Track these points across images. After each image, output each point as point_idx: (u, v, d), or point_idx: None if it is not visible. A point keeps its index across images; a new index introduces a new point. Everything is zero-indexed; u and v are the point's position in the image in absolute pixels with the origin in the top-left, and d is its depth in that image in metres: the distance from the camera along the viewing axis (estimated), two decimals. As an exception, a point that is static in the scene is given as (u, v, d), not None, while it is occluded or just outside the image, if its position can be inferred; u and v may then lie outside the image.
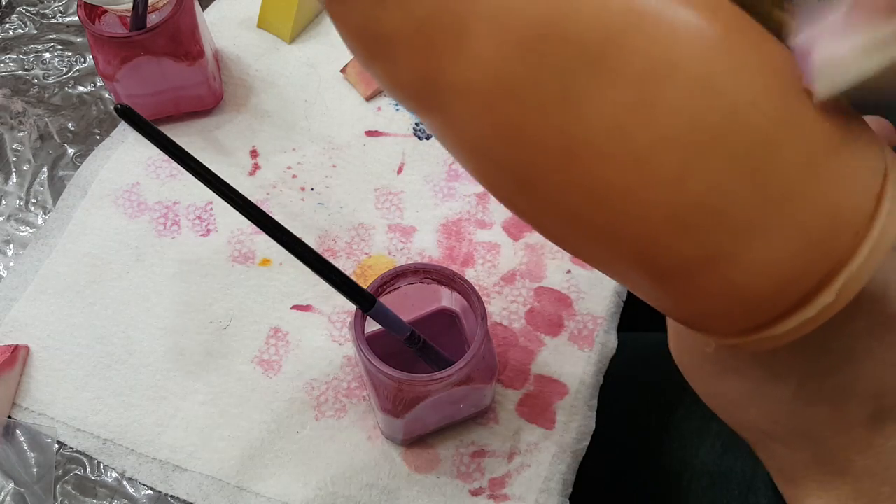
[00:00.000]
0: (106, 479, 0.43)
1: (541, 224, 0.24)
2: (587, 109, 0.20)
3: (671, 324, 0.29)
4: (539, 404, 0.44)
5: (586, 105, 0.20)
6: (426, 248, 0.48)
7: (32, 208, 0.51)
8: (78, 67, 0.56)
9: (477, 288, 0.39)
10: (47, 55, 0.57)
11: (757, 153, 0.20)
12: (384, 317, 0.35)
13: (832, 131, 0.20)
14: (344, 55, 0.55)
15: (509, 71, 0.20)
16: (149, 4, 0.48)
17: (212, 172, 0.31)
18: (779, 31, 0.21)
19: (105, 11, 0.49)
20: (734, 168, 0.20)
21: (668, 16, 0.20)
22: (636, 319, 0.52)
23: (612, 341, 0.46)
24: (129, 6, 0.47)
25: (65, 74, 0.56)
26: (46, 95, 0.55)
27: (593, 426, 0.43)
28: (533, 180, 0.22)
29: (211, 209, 0.50)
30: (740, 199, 0.20)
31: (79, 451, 0.43)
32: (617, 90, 0.20)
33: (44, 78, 0.56)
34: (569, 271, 0.47)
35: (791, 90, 0.20)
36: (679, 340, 0.29)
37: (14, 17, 0.58)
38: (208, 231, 0.49)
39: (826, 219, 0.20)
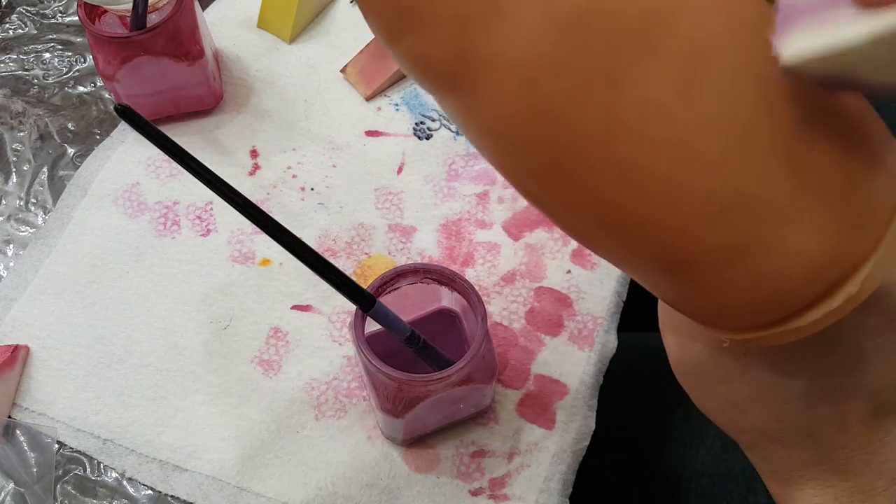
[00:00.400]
0: (106, 479, 0.43)
1: (560, 213, 0.23)
2: (630, 89, 0.19)
3: (669, 327, 0.29)
4: (539, 404, 0.44)
5: (629, 85, 0.19)
6: (426, 248, 0.48)
7: (32, 208, 0.51)
8: (78, 67, 0.56)
9: (477, 288, 0.39)
10: (47, 55, 0.57)
11: (798, 140, 0.20)
12: (384, 317, 0.35)
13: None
14: (344, 55, 0.55)
15: (552, 47, 0.19)
16: (149, 4, 0.48)
17: (212, 172, 0.31)
18: None
19: (105, 11, 0.49)
20: (774, 153, 0.20)
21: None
22: (636, 319, 0.52)
23: (612, 341, 0.46)
24: (129, 6, 0.47)
25: (65, 74, 0.56)
26: (46, 95, 0.55)
27: (593, 426, 0.43)
28: (564, 164, 0.21)
29: (211, 209, 0.50)
30: (778, 185, 0.20)
31: (79, 451, 0.43)
32: (660, 70, 0.19)
33: (44, 78, 0.56)
34: (569, 271, 0.47)
35: None
36: (679, 344, 0.29)
37: (14, 17, 0.58)
38: (208, 231, 0.49)
39: (856, 209, 0.20)
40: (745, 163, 0.20)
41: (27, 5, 0.59)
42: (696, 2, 0.20)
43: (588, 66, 0.19)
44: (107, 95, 0.55)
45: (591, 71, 0.19)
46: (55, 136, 0.53)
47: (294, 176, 0.51)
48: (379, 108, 0.54)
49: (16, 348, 0.44)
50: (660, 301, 0.30)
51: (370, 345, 0.36)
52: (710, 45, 0.19)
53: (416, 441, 0.43)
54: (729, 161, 0.20)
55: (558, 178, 0.21)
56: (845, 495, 0.26)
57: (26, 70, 0.56)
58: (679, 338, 0.29)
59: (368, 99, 0.54)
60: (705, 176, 0.20)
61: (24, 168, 0.52)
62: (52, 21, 0.58)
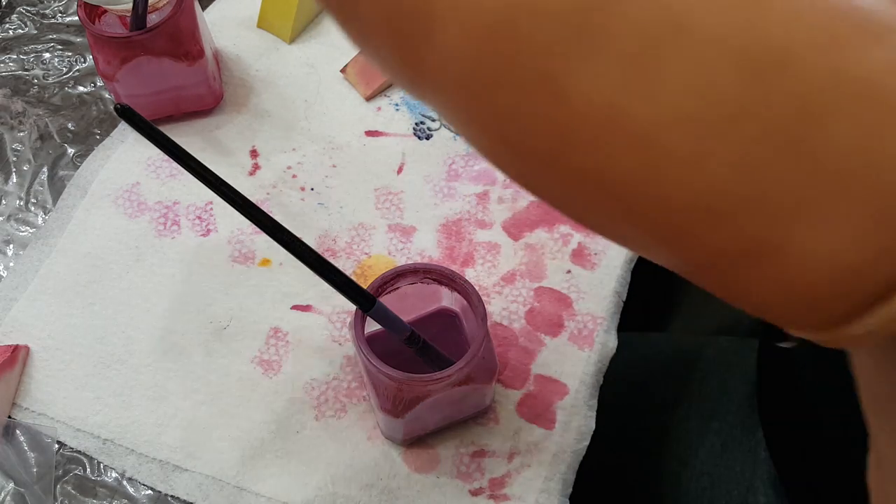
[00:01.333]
0: (106, 479, 0.43)
1: (563, 204, 0.21)
2: (571, 91, 0.17)
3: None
4: (539, 404, 0.44)
5: (570, 86, 0.17)
6: (426, 248, 0.48)
7: (32, 208, 0.51)
8: (78, 67, 0.56)
9: (477, 288, 0.39)
10: (47, 55, 0.57)
11: (801, 118, 0.16)
12: (384, 317, 0.35)
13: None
14: (344, 55, 0.55)
15: (484, 60, 0.18)
16: (149, 4, 0.48)
17: (212, 172, 0.31)
18: None
19: (105, 11, 0.49)
20: (768, 141, 0.16)
21: None
22: (636, 319, 0.52)
23: (612, 341, 0.46)
24: (129, 6, 0.47)
25: (65, 74, 0.56)
26: (46, 95, 0.55)
27: (593, 426, 0.43)
28: (536, 169, 0.19)
29: (211, 209, 0.50)
30: (780, 178, 0.16)
31: (79, 451, 0.43)
32: (605, 65, 0.16)
33: (44, 78, 0.56)
34: (569, 271, 0.47)
35: (846, 31, 0.16)
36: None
37: (14, 17, 0.58)
38: (208, 231, 0.49)
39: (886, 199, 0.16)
40: (728, 157, 0.16)
41: (27, 5, 0.59)
42: None
43: (522, 73, 0.17)
44: (107, 95, 0.55)
45: (526, 79, 0.17)
46: (55, 136, 0.53)
47: (294, 176, 0.51)
48: (379, 108, 0.54)
49: (16, 348, 0.44)
50: None
51: (370, 345, 0.36)
52: (667, 28, 0.16)
53: (416, 441, 0.43)
54: (707, 157, 0.17)
55: (537, 179, 0.20)
56: None
57: (26, 70, 0.56)
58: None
59: (368, 99, 0.54)
60: (681, 175, 0.17)
61: (24, 168, 0.52)
62: (52, 21, 0.58)
